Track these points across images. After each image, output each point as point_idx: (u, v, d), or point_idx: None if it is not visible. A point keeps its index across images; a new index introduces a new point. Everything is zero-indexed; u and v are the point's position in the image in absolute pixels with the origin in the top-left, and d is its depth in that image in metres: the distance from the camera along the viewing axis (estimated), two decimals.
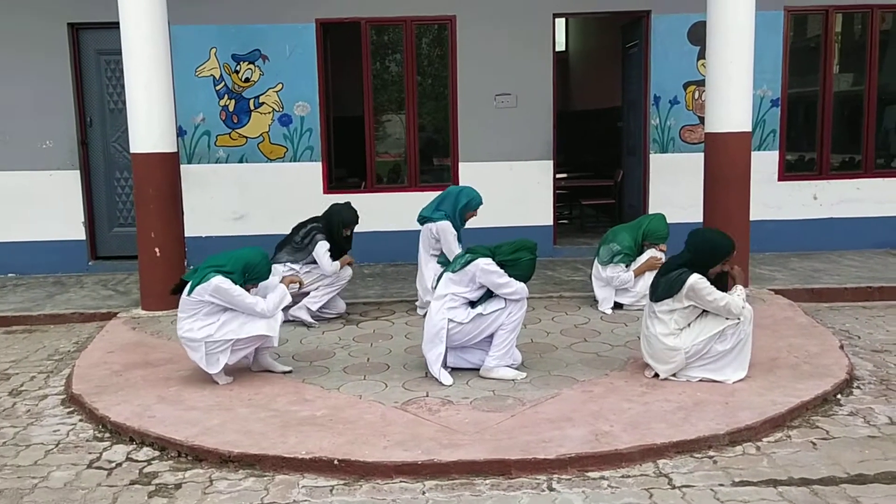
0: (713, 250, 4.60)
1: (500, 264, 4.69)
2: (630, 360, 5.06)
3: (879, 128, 8.79)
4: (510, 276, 4.69)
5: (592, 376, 4.77)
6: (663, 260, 5.90)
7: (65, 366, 5.54)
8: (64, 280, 8.13)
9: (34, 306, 7.03)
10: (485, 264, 4.66)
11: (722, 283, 4.64)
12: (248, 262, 4.75)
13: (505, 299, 4.73)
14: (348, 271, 6.28)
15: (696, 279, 4.47)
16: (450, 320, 4.70)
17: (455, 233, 6.04)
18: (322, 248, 6.05)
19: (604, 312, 6.26)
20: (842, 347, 5.29)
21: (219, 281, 4.61)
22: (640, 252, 6.36)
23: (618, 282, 6.27)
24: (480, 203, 6.15)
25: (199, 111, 8.30)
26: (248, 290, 4.75)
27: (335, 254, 6.12)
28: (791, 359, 5.03)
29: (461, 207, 6.09)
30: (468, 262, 4.72)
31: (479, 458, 3.70)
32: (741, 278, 4.70)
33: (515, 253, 4.73)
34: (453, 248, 5.96)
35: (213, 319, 4.68)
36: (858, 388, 4.72)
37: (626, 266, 6.29)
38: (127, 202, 8.53)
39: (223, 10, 8.18)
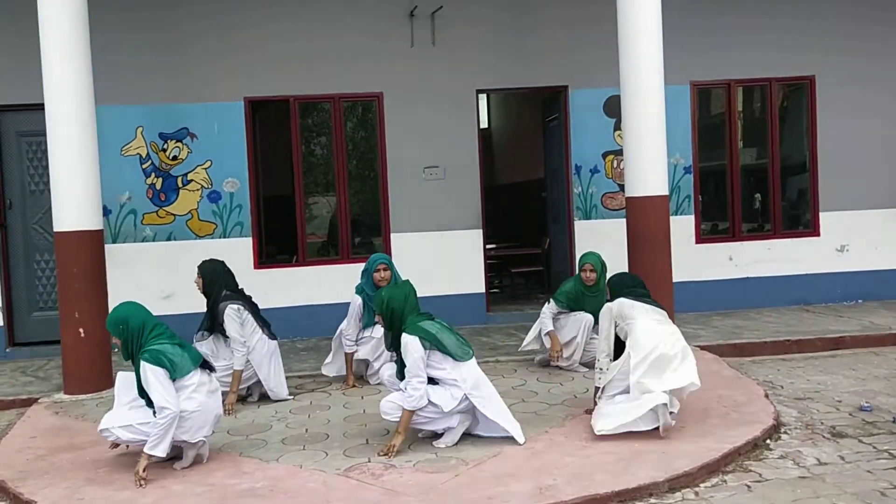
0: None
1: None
2: (569, 417, 5.13)
3: (784, 196, 9.36)
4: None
5: (533, 434, 4.81)
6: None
7: None
8: None
9: None
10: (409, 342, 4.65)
11: None
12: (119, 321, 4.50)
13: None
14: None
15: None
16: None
17: (360, 300, 6.25)
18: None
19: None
20: (767, 396, 5.51)
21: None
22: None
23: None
24: (376, 260, 6.27)
25: (125, 190, 8.21)
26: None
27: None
28: (720, 408, 5.20)
29: (364, 272, 6.29)
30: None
31: None
32: None
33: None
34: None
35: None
36: (786, 433, 4.90)
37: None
38: (47, 285, 8.27)
39: (149, 89, 8.20)
